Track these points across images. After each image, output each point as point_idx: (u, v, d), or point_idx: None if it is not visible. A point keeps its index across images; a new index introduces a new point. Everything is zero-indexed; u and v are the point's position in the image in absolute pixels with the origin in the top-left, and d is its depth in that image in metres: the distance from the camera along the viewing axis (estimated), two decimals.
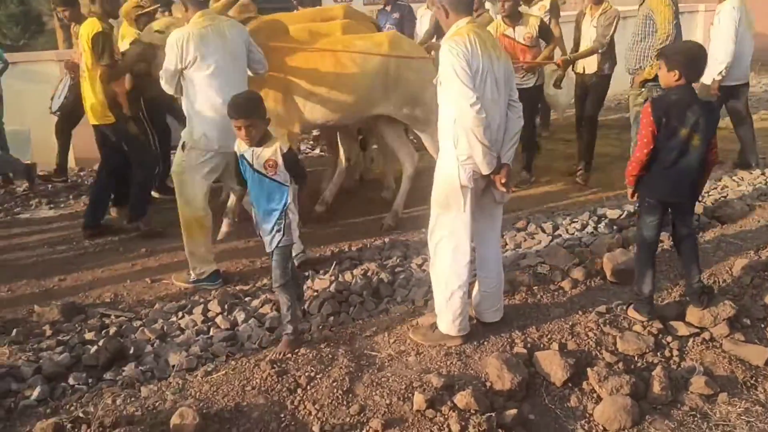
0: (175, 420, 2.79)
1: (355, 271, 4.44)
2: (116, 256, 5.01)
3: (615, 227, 5.01)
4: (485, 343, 3.40)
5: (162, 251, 5.00)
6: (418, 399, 2.91)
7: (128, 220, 5.45)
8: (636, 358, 3.28)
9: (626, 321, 3.56)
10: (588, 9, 6.05)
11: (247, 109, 3.35)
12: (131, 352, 3.55)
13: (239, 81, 4.23)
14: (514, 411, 2.89)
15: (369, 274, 4.38)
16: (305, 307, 3.98)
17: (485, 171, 3.19)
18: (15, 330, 3.83)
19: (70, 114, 6.37)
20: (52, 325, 3.91)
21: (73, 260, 4.95)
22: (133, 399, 3.05)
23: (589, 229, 5.04)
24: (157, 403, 3.01)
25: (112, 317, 3.98)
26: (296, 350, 3.35)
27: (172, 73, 4.18)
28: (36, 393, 3.19)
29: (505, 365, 3.08)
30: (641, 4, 5.56)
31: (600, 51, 5.88)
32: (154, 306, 4.15)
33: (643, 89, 5.40)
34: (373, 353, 3.36)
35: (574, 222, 5.18)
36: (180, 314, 4.02)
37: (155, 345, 3.62)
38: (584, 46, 6.02)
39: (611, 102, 9.49)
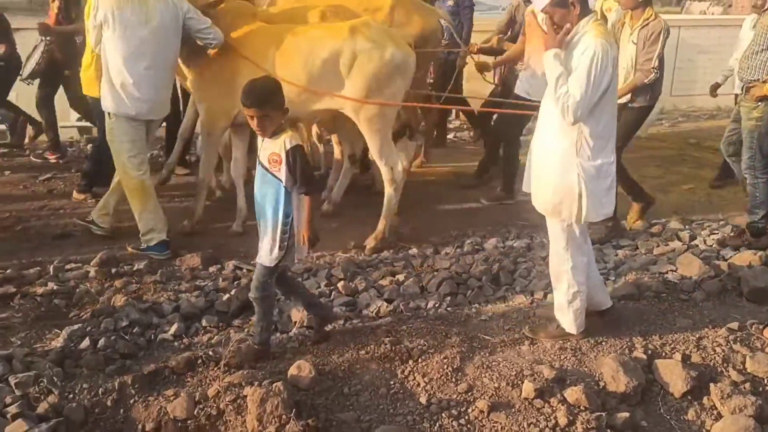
0: (292, 371, 2.98)
1: (476, 256, 4.46)
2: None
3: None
4: (603, 343, 3.33)
5: None
6: (528, 387, 2.90)
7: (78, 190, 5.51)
8: (765, 381, 3.09)
9: (759, 341, 3.35)
10: (627, 18, 4.97)
11: (260, 98, 3.01)
12: None
13: (156, 53, 4.31)
14: (626, 414, 2.82)
15: (490, 260, 4.39)
16: (423, 284, 4.04)
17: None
18: (159, 271, 4.19)
19: (47, 81, 6.08)
20: (191, 270, 4.24)
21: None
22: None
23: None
24: (277, 353, 3.21)
25: (245, 270, 4.25)
26: (256, 363, 3.13)
27: (93, 30, 4.31)
28: (173, 329, 3.50)
29: (622, 367, 3.01)
30: (765, 12, 4.90)
31: (648, 81, 4.75)
32: None
33: (759, 104, 4.60)
34: (487, 337, 3.38)
35: (713, 233, 4.90)
36: (306, 275, 4.22)
37: (280, 300, 3.84)
38: (622, 69, 4.68)
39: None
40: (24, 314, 3.62)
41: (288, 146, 3.02)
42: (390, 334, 3.36)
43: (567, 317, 3.34)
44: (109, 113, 4.43)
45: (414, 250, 4.59)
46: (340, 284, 4.06)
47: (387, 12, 5.22)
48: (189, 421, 2.82)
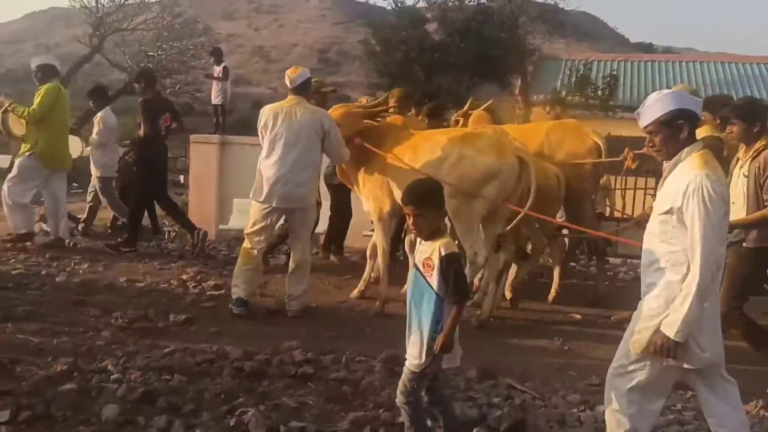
0: None
1: None
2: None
3: None
4: None
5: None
6: None
7: None
8: None
9: None
10: (741, 151, 4.50)
11: (417, 197, 3.09)
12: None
13: (300, 156, 5.42)
14: None
15: None
16: None
17: (679, 336, 2.79)
18: None
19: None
20: (467, 381, 4.33)
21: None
22: None
23: None
24: None
25: (519, 389, 4.21)
26: None
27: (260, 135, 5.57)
28: None
29: None
30: None
31: None
32: (558, 392, 4.26)
33: None
34: None
35: None
36: (582, 407, 4.03)
37: (552, 428, 3.70)
38: (733, 205, 4.10)
39: None
40: (317, 394, 4.00)
41: (443, 252, 3.00)
42: None
43: None
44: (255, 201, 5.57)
45: None
46: None
47: (543, 136, 6.08)
48: None
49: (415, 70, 20.90)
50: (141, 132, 7.76)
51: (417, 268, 3.16)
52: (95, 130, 8.48)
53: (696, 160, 2.86)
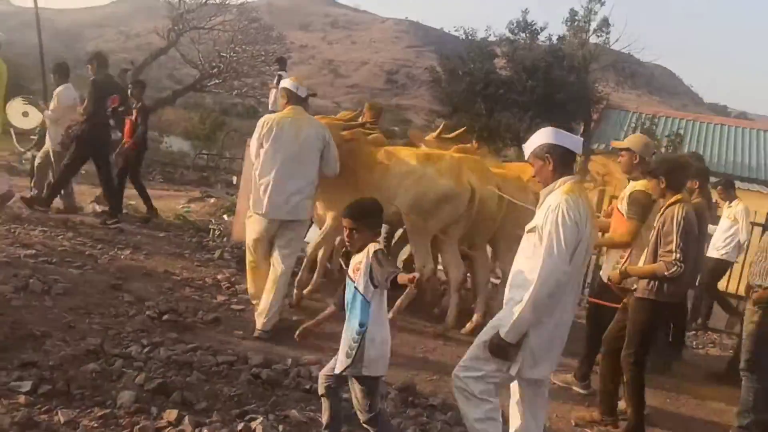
0: None
1: None
2: None
3: None
4: None
5: None
6: None
7: None
8: None
9: None
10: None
11: (357, 212, 3.34)
12: None
13: (303, 168, 5.36)
14: None
15: None
16: None
17: (509, 337, 3.17)
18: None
19: None
20: None
21: None
22: None
23: None
24: None
25: None
26: None
27: (254, 144, 5.38)
28: None
29: None
30: None
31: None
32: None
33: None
34: None
35: None
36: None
37: None
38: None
39: None
40: None
41: (372, 251, 3.22)
42: None
43: None
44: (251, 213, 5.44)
45: None
46: None
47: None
48: None
49: (478, 102, 20.94)
50: (82, 109, 8.23)
51: (349, 278, 3.34)
52: (51, 105, 8.77)
53: (564, 187, 3.23)
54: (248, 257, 5.61)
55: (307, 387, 4.20)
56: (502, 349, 3.22)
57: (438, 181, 5.86)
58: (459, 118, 18.57)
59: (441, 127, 7.93)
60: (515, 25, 22.92)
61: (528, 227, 3.33)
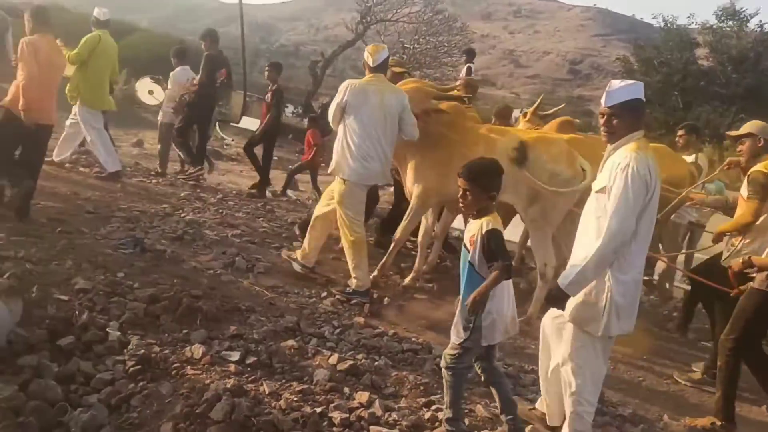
0: None
1: None
2: None
3: None
4: None
5: None
6: None
7: None
8: None
9: None
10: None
11: (470, 172, 3.24)
12: None
13: (386, 134, 5.39)
14: None
15: None
16: None
17: (570, 290, 3.14)
18: None
19: None
20: None
21: None
22: None
23: None
24: None
25: None
26: None
27: (334, 109, 5.40)
28: None
29: None
30: None
31: None
32: None
33: None
34: None
35: None
36: None
37: None
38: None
39: None
40: None
41: (485, 229, 3.13)
42: None
43: None
44: (344, 180, 5.37)
45: None
46: None
47: None
48: None
49: (674, 95, 19.53)
50: (197, 80, 8.93)
51: (464, 246, 3.30)
52: (168, 84, 9.68)
53: (632, 143, 3.18)
54: (355, 232, 5.45)
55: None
56: (559, 300, 3.21)
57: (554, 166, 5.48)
58: (652, 111, 17.41)
59: (538, 101, 7.59)
60: (722, 11, 20.99)
61: (596, 187, 3.29)
